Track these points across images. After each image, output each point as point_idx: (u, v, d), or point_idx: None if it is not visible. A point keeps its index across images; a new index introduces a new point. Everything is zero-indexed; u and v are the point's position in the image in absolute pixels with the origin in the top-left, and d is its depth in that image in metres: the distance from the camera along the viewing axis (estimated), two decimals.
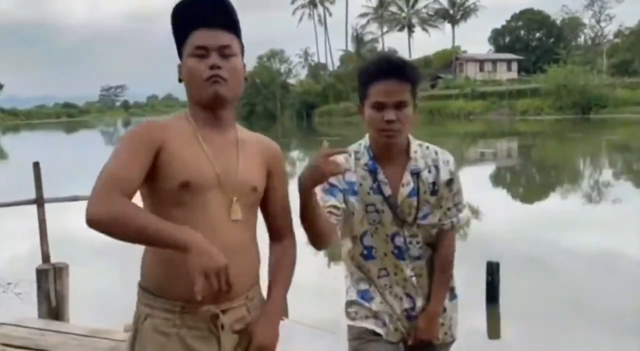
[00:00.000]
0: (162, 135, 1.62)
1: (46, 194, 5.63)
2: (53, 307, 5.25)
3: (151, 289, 1.66)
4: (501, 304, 5.92)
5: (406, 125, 2.06)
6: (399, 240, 2.13)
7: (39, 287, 5.29)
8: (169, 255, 1.55)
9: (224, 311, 1.65)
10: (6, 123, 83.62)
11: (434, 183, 2.13)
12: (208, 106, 1.68)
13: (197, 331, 1.63)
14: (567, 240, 8.76)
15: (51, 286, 5.25)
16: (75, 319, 5.26)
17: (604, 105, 43.53)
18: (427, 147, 2.18)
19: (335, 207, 2.02)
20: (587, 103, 43.73)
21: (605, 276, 7.06)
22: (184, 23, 1.68)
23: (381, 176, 2.10)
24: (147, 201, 1.66)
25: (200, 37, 1.66)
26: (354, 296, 2.20)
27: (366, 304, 2.18)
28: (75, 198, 5.91)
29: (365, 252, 2.16)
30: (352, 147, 2.16)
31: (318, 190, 1.90)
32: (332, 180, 1.98)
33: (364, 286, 2.19)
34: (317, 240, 1.85)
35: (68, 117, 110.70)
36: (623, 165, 19.55)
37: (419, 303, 2.18)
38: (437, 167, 2.14)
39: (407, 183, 2.10)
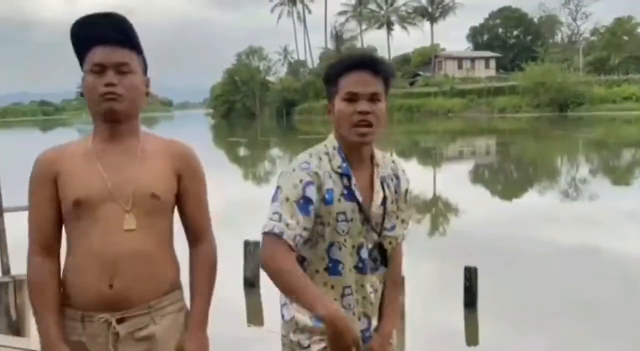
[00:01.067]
0: (56, 164, 1.73)
1: (14, 199, 5.39)
2: (13, 322, 5.02)
3: (63, 299, 1.74)
4: (479, 308, 5.88)
5: (380, 122, 1.89)
6: (364, 253, 1.94)
7: None
8: (71, 264, 1.71)
9: (121, 320, 1.68)
10: None
11: (396, 192, 2.02)
12: (104, 121, 1.74)
13: (98, 339, 1.69)
14: (545, 236, 8.81)
15: (11, 299, 5.03)
16: (36, 333, 5.13)
17: (581, 103, 44.10)
18: (384, 155, 2.04)
19: (305, 229, 1.81)
20: (565, 101, 44.27)
21: (585, 273, 7.10)
22: (82, 40, 1.73)
23: (354, 181, 1.91)
24: (64, 224, 1.76)
25: (97, 54, 1.71)
26: (307, 321, 1.88)
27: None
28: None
29: (331, 266, 1.92)
30: (319, 149, 1.95)
31: (288, 204, 1.79)
32: (309, 191, 1.82)
33: None
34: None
35: (44, 115, 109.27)
36: (600, 162, 19.80)
37: (374, 322, 2.01)
38: (397, 176, 2.04)
39: (378, 191, 1.95)
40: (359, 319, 1.96)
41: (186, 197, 1.82)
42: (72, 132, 57.72)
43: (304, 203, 1.81)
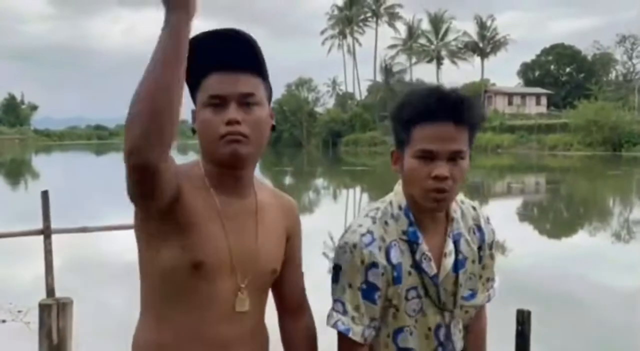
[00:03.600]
0: (181, 179, 1.35)
1: (63, 220, 5.46)
2: (54, 345, 5.07)
3: None
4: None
5: (459, 183, 1.51)
6: (441, 333, 1.59)
7: (41, 324, 5.10)
8: (172, 342, 1.38)
9: None
10: (39, 144, 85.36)
11: (480, 249, 1.64)
12: (225, 166, 1.40)
13: None
14: (596, 278, 8.49)
15: (54, 323, 5.06)
16: None
17: (636, 143, 42.81)
18: (462, 202, 1.66)
19: (373, 319, 1.53)
20: (618, 140, 43.08)
21: (632, 313, 6.80)
22: (197, 63, 1.31)
23: (424, 248, 1.54)
24: (157, 275, 1.39)
25: (216, 83, 1.37)
26: None
27: None
28: (84, 230, 5.73)
29: None
30: (383, 209, 1.59)
31: (351, 291, 1.52)
32: (372, 275, 1.51)
33: None
34: None
35: (98, 139, 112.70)
36: None
37: None
38: (479, 227, 1.65)
39: (450, 254, 1.56)
40: None
41: (291, 260, 1.54)
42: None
43: (368, 289, 1.51)
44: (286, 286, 1.55)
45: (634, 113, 47.78)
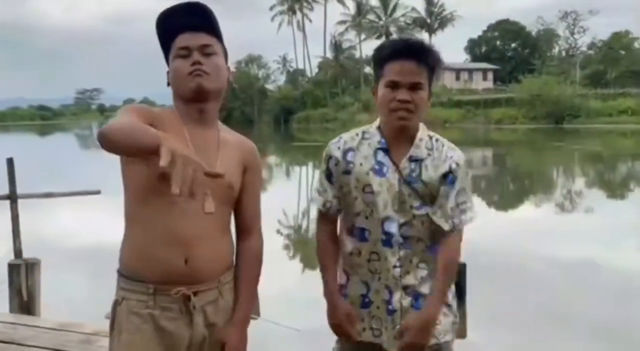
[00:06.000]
0: (156, 121, 1.71)
1: (20, 192, 5.59)
2: (24, 302, 5.30)
3: (127, 273, 1.75)
4: (468, 305, 6.00)
5: (419, 109, 1.99)
6: (389, 226, 2.02)
7: (11, 282, 5.35)
8: (143, 239, 1.72)
9: (195, 294, 1.73)
10: None
11: (444, 177, 2.02)
12: (191, 99, 1.78)
13: (170, 313, 1.72)
14: (538, 247, 8.88)
15: (23, 281, 5.32)
16: (46, 314, 5.28)
17: (577, 116, 44.33)
18: (437, 140, 2.09)
19: (334, 196, 2.11)
20: (561, 113, 44.49)
21: (573, 282, 7.19)
22: (168, 30, 1.80)
23: (386, 158, 2.02)
24: (131, 188, 1.75)
25: (183, 39, 1.78)
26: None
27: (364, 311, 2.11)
28: (49, 195, 5.87)
29: (357, 233, 2.08)
30: (363, 128, 2.13)
31: (320, 174, 2.15)
32: (331, 164, 2.11)
33: (360, 289, 2.10)
34: None
35: (42, 119, 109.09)
36: (595, 174, 19.91)
37: (396, 297, 2.04)
38: (438, 159, 2.03)
39: (404, 169, 2.00)
40: (385, 287, 2.06)
41: (246, 191, 1.88)
42: (70, 136, 57.68)
43: (328, 173, 2.12)
44: (241, 211, 1.90)
45: (575, 87, 49.34)
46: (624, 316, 6.00)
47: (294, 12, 72.08)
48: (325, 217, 2.15)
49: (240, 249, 1.91)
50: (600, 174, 19.89)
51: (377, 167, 2.02)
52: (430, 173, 2.02)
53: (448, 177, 2.02)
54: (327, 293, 2.14)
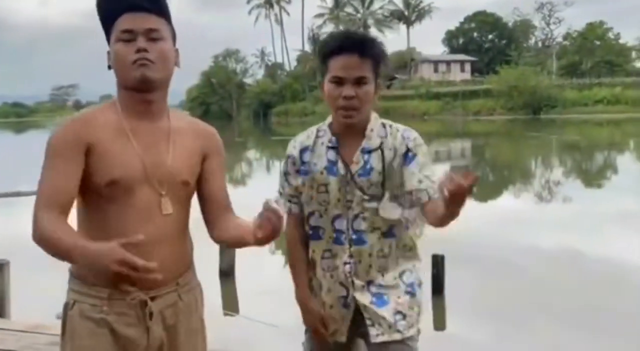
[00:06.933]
0: (88, 132, 1.60)
1: None
2: None
3: (81, 276, 1.65)
4: (447, 296, 6.00)
5: (365, 104, 1.95)
6: (340, 224, 2.01)
7: None
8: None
9: (152, 298, 1.65)
10: None
11: (390, 161, 1.97)
12: (136, 90, 1.64)
13: (126, 318, 1.63)
14: (518, 237, 8.93)
15: None
16: (16, 316, 5.17)
17: (554, 106, 44.82)
18: (391, 126, 2.04)
19: (292, 195, 2.09)
20: (538, 103, 44.95)
21: (553, 271, 7.21)
22: (109, 8, 1.64)
23: (336, 156, 2.00)
24: (80, 196, 1.65)
25: (126, 20, 1.62)
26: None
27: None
28: (18, 194, 5.79)
29: (311, 233, 2.08)
30: (317, 125, 2.12)
31: (280, 176, 2.14)
32: (288, 164, 2.09)
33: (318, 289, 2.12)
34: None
35: (17, 117, 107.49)
36: (573, 164, 20.13)
37: (350, 293, 2.03)
38: (394, 142, 1.99)
39: (357, 162, 1.98)
40: (339, 284, 2.04)
41: (212, 175, 1.78)
42: (45, 133, 56.68)
43: (286, 173, 2.11)
44: (210, 197, 1.79)
45: (551, 78, 49.87)
46: (604, 304, 6.02)
47: (271, 6, 71.75)
48: (291, 218, 2.07)
49: (226, 221, 1.76)
50: (577, 163, 20.12)
51: (329, 165, 2.01)
52: (388, 158, 1.98)
53: (407, 156, 1.98)
54: (298, 298, 2.14)
